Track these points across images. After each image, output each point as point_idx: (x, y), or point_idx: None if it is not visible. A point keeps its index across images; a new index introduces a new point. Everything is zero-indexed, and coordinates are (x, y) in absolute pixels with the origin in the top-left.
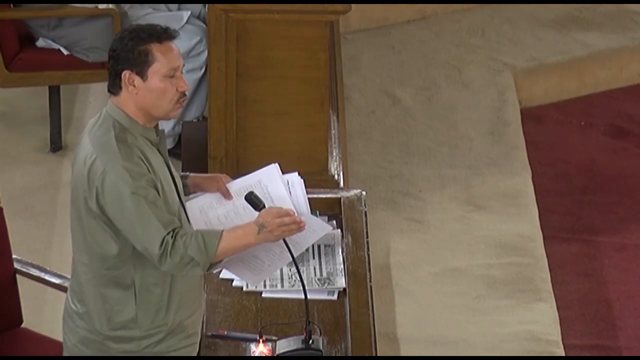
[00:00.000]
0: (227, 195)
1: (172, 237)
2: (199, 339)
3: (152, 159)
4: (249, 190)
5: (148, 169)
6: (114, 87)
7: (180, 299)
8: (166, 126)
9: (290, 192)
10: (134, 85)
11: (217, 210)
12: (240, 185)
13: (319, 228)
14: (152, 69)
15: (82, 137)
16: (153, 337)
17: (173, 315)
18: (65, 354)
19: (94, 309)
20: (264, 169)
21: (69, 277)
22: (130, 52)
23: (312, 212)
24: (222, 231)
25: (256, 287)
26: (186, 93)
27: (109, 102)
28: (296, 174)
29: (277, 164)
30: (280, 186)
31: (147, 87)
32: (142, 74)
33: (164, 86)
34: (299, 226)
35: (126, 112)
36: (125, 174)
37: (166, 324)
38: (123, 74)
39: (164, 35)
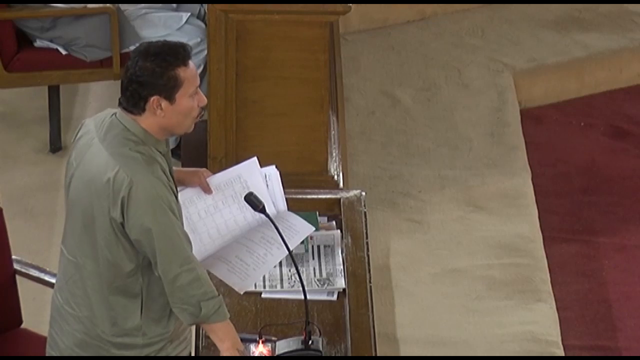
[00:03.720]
0: (207, 190)
1: (199, 269)
2: (191, 345)
3: (164, 168)
4: (228, 185)
5: (168, 178)
6: (136, 109)
7: None
8: None
9: (267, 186)
10: (162, 109)
11: (197, 204)
12: (220, 180)
13: (302, 229)
14: (180, 92)
15: (85, 138)
16: (154, 346)
17: (173, 322)
18: (54, 354)
19: (98, 314)
20: (244, 163)
21: None
22: (159, 78)
23: (312, 212)
24: (227, 319)
25: (255, 288)
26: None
27: (122, 113)
28: (273, 167)
29: (256, 158)
30: (259, 180)
31: (174, 110)
32: (170, 98)
33: (190, 105)
34: None
35: (143, 126)
36: (153, 188)
37: (168, 332)
38: (151, 100)
39: (187, 56)
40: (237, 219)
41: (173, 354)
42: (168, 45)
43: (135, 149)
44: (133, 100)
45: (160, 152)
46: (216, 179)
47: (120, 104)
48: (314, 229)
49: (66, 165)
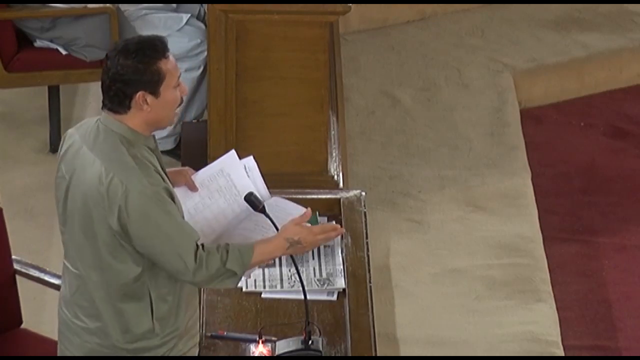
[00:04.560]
0: (193, 187)
1: (203, 250)
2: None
3: (156, 166)
4: (212, 180)
5: (162, 179)
6: (121, 107)
7: (186, 302)
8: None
9: (249, 177)
10: (148, 104)
11: (186, 203)
12: (204, 176)
13: (297, 212)
14: (164, 85)
15: (72, 150)
16: (168, 344)
17: (182, 319)
18: None
19: (109, 324)
20: (224, 157)
21: None
22: (142, 74)
23: (312, 213)
24: (254, 245)
25: (255, 288)
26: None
27: (106, 116)
28: (251, 157)
29: (234, 151)
30: (242, 173)
31: (160, 103)
32: (155, 92)
33: (175, 96)
34: (337, 233)
35: (130, 126)
36: (148, 191)
37: (178, 328)
38: (137, 96)
39: (166, 47)
40: (225, 212)
41: (184, 350)
42: (145, 40)
43: (126, 152)
44: (118, 99)
45: (150, 149)
46: (200, 176)
47: (104, 105)
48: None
49: (55, 180)
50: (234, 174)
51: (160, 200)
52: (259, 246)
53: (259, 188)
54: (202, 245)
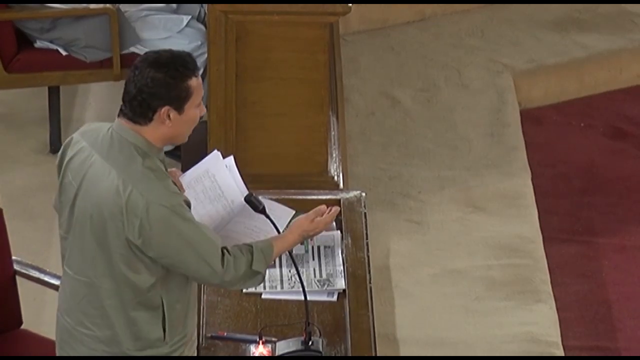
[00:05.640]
0: (181, 189)
1: (229, 253)
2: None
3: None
4: (198, 181)
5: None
6: (142, 119)
7: (193, 308)
8: None
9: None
10: (170, 119)
11: None
12: (190, 178)
13: (284, 214)
14: (189, 103)
15: (80, 157)
16: (176, 352)
17: (189, 325)
18: None
19: (120, 332)
20: (208, 157)
21: None
22: (173, 90)
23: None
24: (272, 243)
25: (255, 288)
26: None
27: (121, 125)
28: (231, 157)
29: (216, 151)
30: (226, 173)
31: (182, 120)
32: (180, 109)
33: (196, 115)
34: (335, 211)
35: (146, 137)
36: (169, 203)
37: (185, 335)
38: (162, 110)
39: (196, 66)
40: (211, 214)
41: (188, 354)
42: (178, 55)
43: (144, 164)
44: (141, 110)
45: (159, 159)
46: (187, 178)
47: (123, 114)
48: (294, 212)
49: (60, 186)
50: (219, 175)
51: (181, 210)
52: (276, 244)
53: (240, 187)
54: (227, 248)
